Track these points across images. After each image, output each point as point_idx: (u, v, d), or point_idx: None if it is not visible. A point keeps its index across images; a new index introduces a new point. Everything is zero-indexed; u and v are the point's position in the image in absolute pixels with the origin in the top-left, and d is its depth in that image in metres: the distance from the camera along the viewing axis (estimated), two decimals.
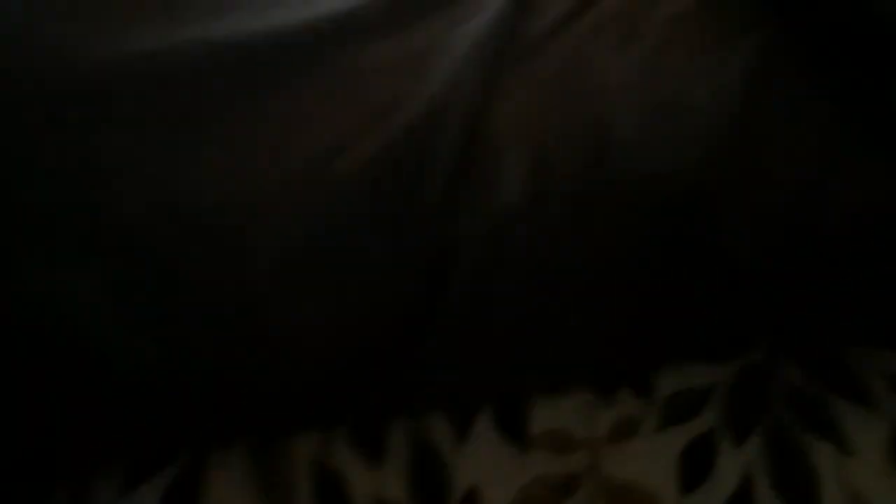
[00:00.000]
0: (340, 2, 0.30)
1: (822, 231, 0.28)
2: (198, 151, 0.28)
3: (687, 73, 0.29)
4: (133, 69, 0.28)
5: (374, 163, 0.28)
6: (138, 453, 0.32)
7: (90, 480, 0.30)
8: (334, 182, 0.28)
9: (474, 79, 0.29)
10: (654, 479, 0.28)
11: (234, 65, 0.28)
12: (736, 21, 0.29)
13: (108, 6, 0.30)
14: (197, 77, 0.28)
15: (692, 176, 0.28)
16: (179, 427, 0.31)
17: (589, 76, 0.29)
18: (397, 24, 0.30)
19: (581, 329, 0.30)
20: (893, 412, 0.29)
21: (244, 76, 0.29)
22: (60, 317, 0.28)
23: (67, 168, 0.28)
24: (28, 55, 0.29)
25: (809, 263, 0.29)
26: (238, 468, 0.30)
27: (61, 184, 0.28)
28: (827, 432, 0.28)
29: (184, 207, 0.28)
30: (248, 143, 0.29)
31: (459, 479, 0.29)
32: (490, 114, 0.29)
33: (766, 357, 0.30)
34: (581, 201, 0.28)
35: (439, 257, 0.28)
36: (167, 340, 0.29)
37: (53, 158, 0.28)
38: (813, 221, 0.28)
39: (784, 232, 0.28)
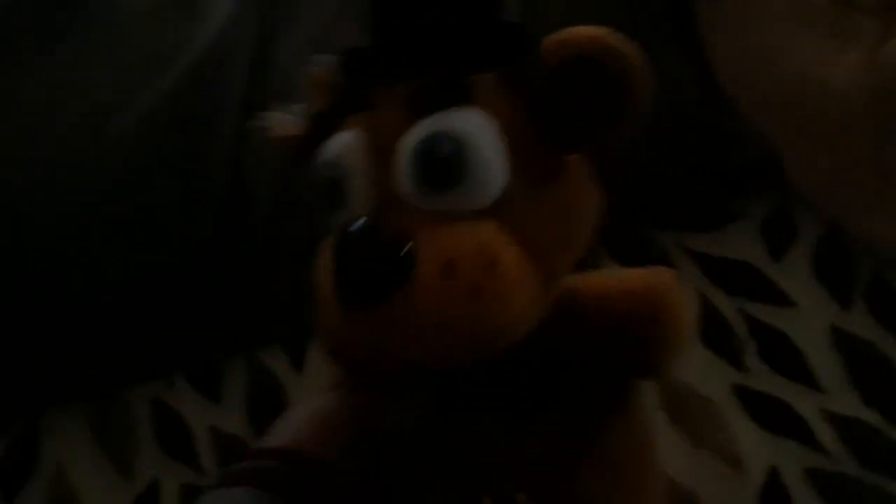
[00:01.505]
0: None
1: None
2: None
3: None
4: None
5: (158, 111, 0.28)
6: None
7: None
8: (114, 137, 0.28)
9: (254, 16, 0.29)
10: None
11: None
12: None
13: None
14: None
15: None
16: (9, 390, 0.32)
17: None
18: None
19: None
20: (700, 290, 0.31)
21: (5, 38, 0.29)
22: None
23: None
24: None
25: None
26: (75, 422, 0.32)
27: None
28: None
29: (9, 145, 0.28)
30: (16, 110, 0.28)
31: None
32: (275, 47, 0.29)
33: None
34: None
35: (232, 191, 0.29)
36: None
37: None
38: None
39: None
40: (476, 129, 0.17)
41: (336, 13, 0.30)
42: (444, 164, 0.16)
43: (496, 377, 0.19)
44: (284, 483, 0.19)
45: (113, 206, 0.29)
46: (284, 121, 0.21)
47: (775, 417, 0.28)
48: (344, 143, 0.18)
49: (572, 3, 0.26)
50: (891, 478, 0.27)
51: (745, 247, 0.31)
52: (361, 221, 0.17)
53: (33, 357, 0.31)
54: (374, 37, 0.18)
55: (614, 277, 0.20)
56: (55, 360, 0.31)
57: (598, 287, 0.20)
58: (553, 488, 0.20)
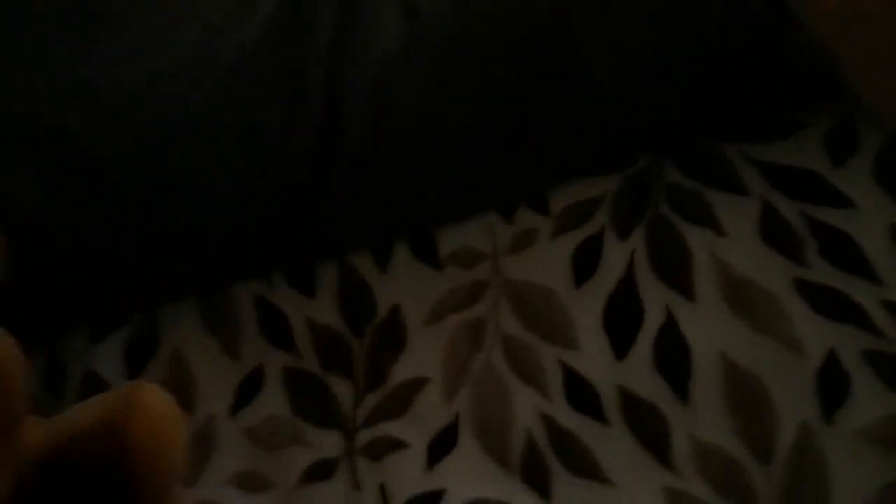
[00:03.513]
0: None
1: (678, 41, 0.33)
2: (100, 43, 0.33)
3: None
4: None
5: (256, 39, 0.33)
6: (99, 315, 0.38)
7: (59, 342, 0.37)
8: (221, 59, 0.33)
9: None
10: (550, 278, 0.34)
11: None
12: None
13: None
14: None
15: (552, 6, 0.33)
16: (131, 289, 0.37)
17: None
18: None
19: (471, 163, 0.35)
20: (763, 196, 0.34)
21: None
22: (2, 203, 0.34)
23: None
24: None
25: (672, 73, 0.33)
26: (190, 316, 0.37)
27: None
28: (702, 219, 0.34)
29: (92, 93, 0.33)
30: (143, 33, 0.33)
31: (382, 301, 0.35)
32: None
33: (650, 163, 0.36)
34: (451, 41, 0.33)
35: (332, 108, 0.33)
36: (100, 217, 0.34)
37: None
38: (663, 37, 0.33)
39: (641, 49, 0.33)
40: None
41: None
42: None
43: None
44: None
45: (221, 123, 0.34)
46: None
47: (834, 305, 0.31)
48: None
49: None
50: None
51: (808, 155, 0.34)
52: None
53: (149, 257, 0.36)
54: None
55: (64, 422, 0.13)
56: (168, 260, 0.36)
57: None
58: None
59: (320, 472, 0.31)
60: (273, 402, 0.33)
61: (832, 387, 0.30)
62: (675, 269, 0.33)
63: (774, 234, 0.33)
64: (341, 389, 0.34)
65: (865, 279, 0.31)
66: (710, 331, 0.32)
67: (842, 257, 0.32)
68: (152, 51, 0.33)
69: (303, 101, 0.33)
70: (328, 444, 0.32)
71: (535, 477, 0.30)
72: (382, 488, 0.31)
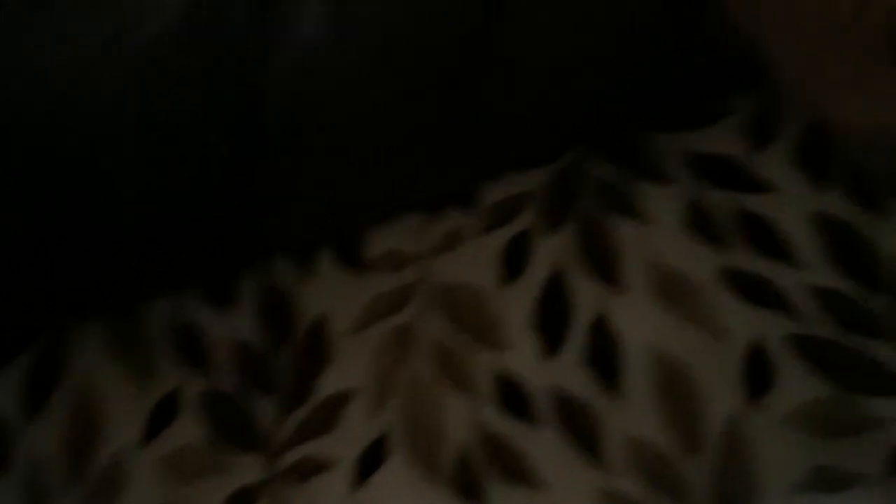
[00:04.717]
0: None
1: (599, 30, 0.34)
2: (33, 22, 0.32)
3: None
4: None
5: (171, 30, 0.32)
6: None
7: None
8: (132, 57, 0.32)
9: None
10: (479, 277, 0.34)
11: None
12: None
13: None
14: None
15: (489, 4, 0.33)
16: (29, 308, 0.36)
17: None
18: None
19: (396, 161, 0.35)
20: (689, 186, 0.35)
21: None
22: None
23: None
24: None
25: (594, 62, 0.34)
26: (96, 339, 0.35)
27: None
28: (630, 211, 0.34)
29: (27, 71, 0.32)
30: (76, 13, 0.32)
31: (306, 310, 0.35)
32: None
33: (578, 156, 0.36)
34: (380, 30, 0.33)
35: (251, 102, 0.32)
36: (19, 216, 0.33)
37: None
38: (585, 26, 0.33)
39: (564, 39, 0.33)
40: None
41: None
42: None
43: None
44: None
45: (133, 125, 0.33)
46: None
47: (758, 292, 0.32)
48: None
49: None
50: (867, 337, 0.31)
51: (731, 143, 0.35)
52: None
53: (56, 273, 0.34)
54: None
55: None
56: (77, 276, 0.35)
57: None
58: None
59: (242, 499, 0.31)
60: (189, 428, 0.32)
61: (758, 373, 0.31)
62: (604, 262, 0.34)
63: (701, 222, 0.34)
64: (264, 409, 0.33)
65: (788, 264, 0.33)
66: (639, 323, 0.32)
67: (766, 243, 0.33)
68: (69, 37, 0.32)
69: (219, 94, 0.32)
70: (250, 468, 0.31)
71: (468, 486, 0.30)
72: None
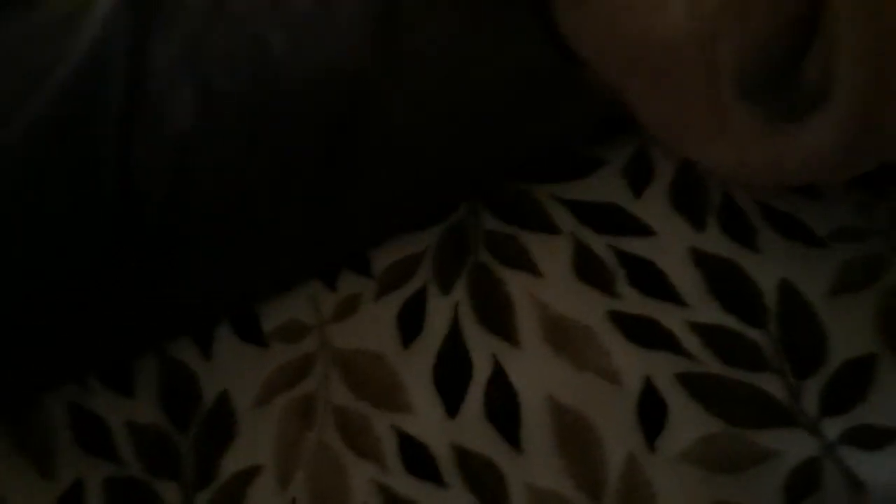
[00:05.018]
0: None
1: (470, 90, 0.35)
2: None
3: None
4: None
5: (39, 125, 0.32)
6: None
7: None
8: (4, 152, 0.32)
9: (127, 25, 0.33)
10: (377, 342, 0.34)
11: None
12: None
13: None
14: None
15: (348, 74, 0.34)
16: None
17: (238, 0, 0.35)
18: None
19: (284, 233, 0.36)
20: (573, 234, 0.36)
21: None
22: None
23: None
24: None
25: (469, 121, 0.35)
26: None
27: None
28: (519, 262, 0.35)
29: None
30: None
31: (208, 389, 0.35)
32: (151, 53, 0.33)
33: (467, 212, 0.37)
34: (249, 117, 0.34)
35: (124, 198, 0.33)
36: None
37: None
38: (457, 87, 0.35)
39: (438, 101, 0.35)
40: None
41: (209, 11, 0.34)
42: None
43: None
44: None
45: (4, 219, 0.33)
46: None
47: (646, 333, 0.33)
48: None
49: None
50: (749, 370, 0.32)
51: (610, 189, 0.37)
52: None
53: None
54: None
55: None
56: None
57: None
58: None
59: None
60: None
61: (652, 414, 0.32)
62: (498, 317, 0.34)
63: (587, 269, 0.35)
64: (169, 493, 0.33)
65: (672, 303, 0.34)
66: (535, 374, 0.33)
67: (649, 285, 0.34)
68: None
69: (95, 182, 0.32)
70: None
71: None
72: None
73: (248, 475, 0.32)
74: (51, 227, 0.33)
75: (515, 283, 0.35)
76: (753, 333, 0.33)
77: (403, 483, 0.32)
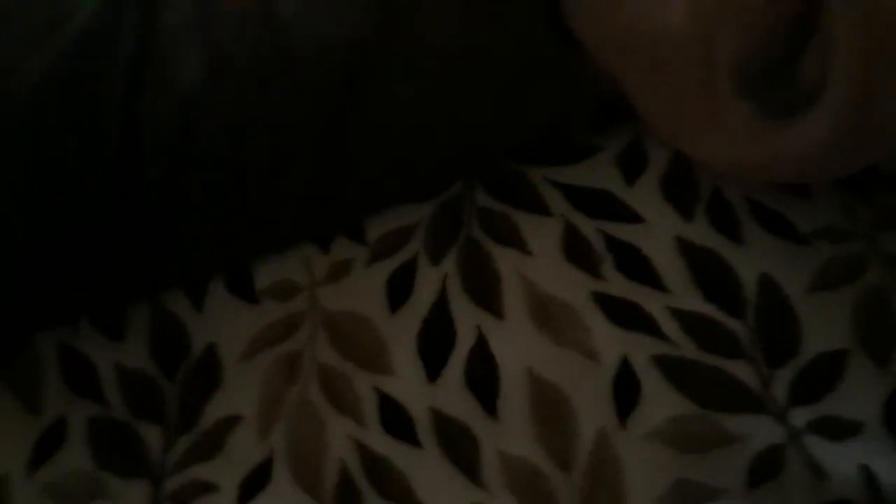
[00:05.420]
0: None
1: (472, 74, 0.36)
2: None
3: None
4: None
5: (49, 74, 0.33)
6: None
7: None
8: (8, 102, 0.33)
9: None
10: (365, 306, 0.35)
11: None
12: None
13: None
14: None
15: (356, 45, 0.35)
16: None
17: None
18: None
19: (283, 196, 0.36)
20: (564, 216, 0.37)
21: None
22: None
23: None
24: None
25: (469, 99, 0.36)
26: None
27: None
28: (510, 240, 0.36)
29: None
30: None
31: (197, 340, 0.36)
32: (162, 12, 0.34)
33: (462, 189, 0.38)
34: (255, 80, 0.35)
35: (128, 150, 0.34)
36: None
37: None
38: (458, 67, 0.36)
39: (437, 80, 0.36)
40: None
41: None
42: None
43: None
44: None
45: (11, 167, 0.34)
46: None
47: (627, 315, 0.34)
48: None
49: None
50: (724, 357, 0.33)
51: (603, 176, 0.38)
52: None
53: None
54: None
55: None
56: None
57: None
58: None
59: None
60: (76, 455, 0.33)
61: (626, 392, 0.33)
62: (485, 290, 0.35)
63: (575, 251, 0.36)
64: (152, 436, 0.34)
65: (654, 288, 0.35)
66: (516, 347, 0.34)
67: (634, 269, 0.35)
68: None
69: (100, 133, 0.33)
70: (134, 494, 0.32)
71: None
72: None
73: (230, 423, 0.33)
74: (54, 174, 0.33)
75: (504, 260, 0.36)
76: (732, 323, 0.34)
77: (380, 441, 0.33)
